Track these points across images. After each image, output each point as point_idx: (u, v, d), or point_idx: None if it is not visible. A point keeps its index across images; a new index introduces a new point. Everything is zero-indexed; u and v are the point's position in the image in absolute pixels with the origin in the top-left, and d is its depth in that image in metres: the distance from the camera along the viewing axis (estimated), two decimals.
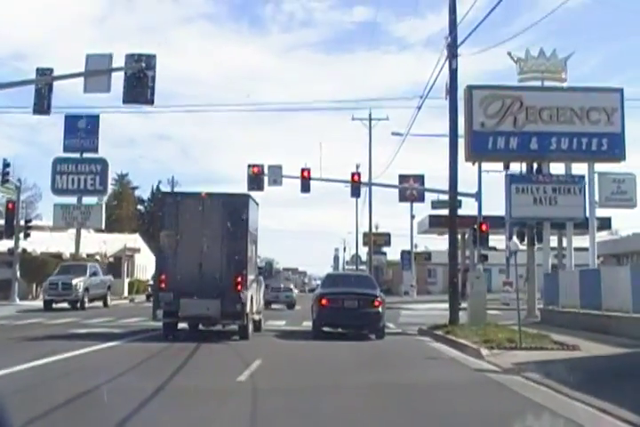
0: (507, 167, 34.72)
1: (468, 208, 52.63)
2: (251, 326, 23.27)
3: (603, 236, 75.29)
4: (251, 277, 23.29)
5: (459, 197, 55.84)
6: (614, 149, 31.83)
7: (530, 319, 32.20)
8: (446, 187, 29.12)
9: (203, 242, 22.18)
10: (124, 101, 24.77)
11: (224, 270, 22.06)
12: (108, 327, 27.91)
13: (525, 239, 33.67)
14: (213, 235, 22.18)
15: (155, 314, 22.28)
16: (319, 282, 32.32)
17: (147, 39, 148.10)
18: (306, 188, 51.06)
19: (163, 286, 21.88)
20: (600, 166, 32.95)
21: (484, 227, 51.53)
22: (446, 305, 52.75)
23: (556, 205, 31.60)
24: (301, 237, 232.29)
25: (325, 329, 24.96)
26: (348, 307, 24.38)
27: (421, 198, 67.40)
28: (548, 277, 31.78)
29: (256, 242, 24.85)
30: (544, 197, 31.66)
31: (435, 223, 65.55)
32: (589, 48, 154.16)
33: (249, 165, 51.85)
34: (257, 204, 24.96)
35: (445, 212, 62.89)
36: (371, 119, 65.22)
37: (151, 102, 24.25)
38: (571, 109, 31.72)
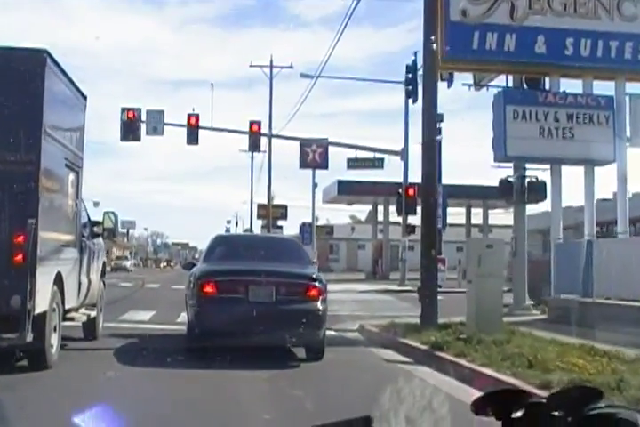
0: (479, 85, 22.35)
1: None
2: (55, 342, 10.66)
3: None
4: (59, 236, 10.67)
5: (380, 155, 44.99)
6: None
7: (519, 312, 20.21)
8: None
9: None
10: None
11: None
12: None
13: (514, 194, 21.38)
14: None
15: None
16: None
17: (42, 8, 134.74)
18: (193, 137, 38.95)
19: None
20: (633, 87, 20.89)
21: (410, 191, 40.58)
22: (364, 286, 42.23)
23: (572, 139, 19.44)
24: (192, 211, 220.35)
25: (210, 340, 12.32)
26: (257, 299, 12.19)
27: (325, 164, 54.02)
28: (562, 249, 19.47)
29: (76, 167, 12.08)
30: (555, 126, 19.49)
31: (345, 190, 53.98)
32: None
33: (122, 109, 39.10)
34: (80, 91, 12.24)
35: (360, 176, 53.29)
36: (272, 66, 52.64)
37: None
38: None
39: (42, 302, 9.88)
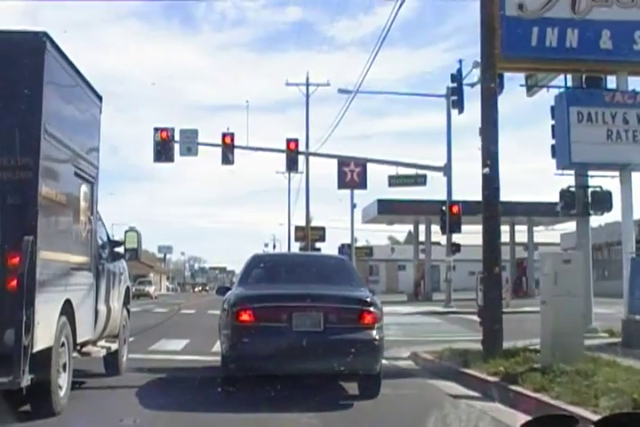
0: (537, 86, 20.40)
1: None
2: (64, 382, 8.86)
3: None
4: (68, 258, 8.92)
5: (422, 171, 43.00)
6: None
7: (586, 335, 18.02)
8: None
9: None
10: None
11: None
12: None
13: (576, 206, 19.36)
14: None
15: None
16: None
17: (78, 36, 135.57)
18: (228, 157, 37.21)
19: None
20: None
21: (454, 209, 38.60)
22: (407, 308, 40.14)
23: None
24: (229, 235, 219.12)
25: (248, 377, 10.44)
26: (303, 328, 10.32)
27: (363, 184, 52.00)
28: (638, 264, 17.30)
29: (90, 177, 10.33)
30: (624, 129, 17.45)
31: (385, 209, 52.04)
32: None
33: (155, 129, 37.56)
34: (93, 90, 10.51)
35: (402, 194, 51.17)
36: (308, 84, 51.04)
37: None
38: None
39: (44, 336, 8.11)
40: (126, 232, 12.45)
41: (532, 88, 21.20)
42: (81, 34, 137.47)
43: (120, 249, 12.32)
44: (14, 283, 7.58)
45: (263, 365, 10.01)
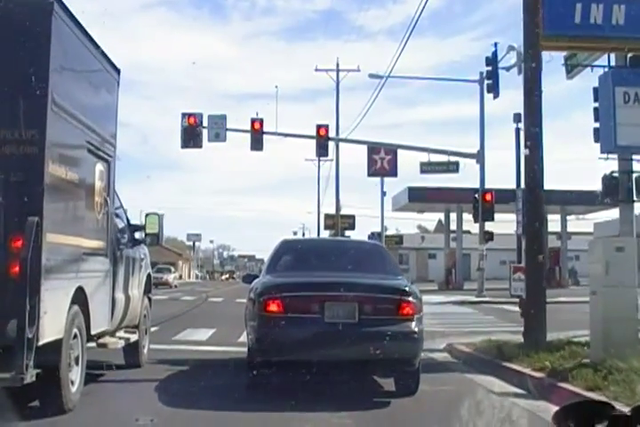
0: (581, 65, 19.40)
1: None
2: (77, 377, 8.08)
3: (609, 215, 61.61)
4: (80, 242, 8.10)
5: (454, 158, 42.02)
6: None
7: None
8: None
9: None
10: None
11: None
12: None
13: (620, 192, 18.38)
14: None
15: None
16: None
17: (107, 25, 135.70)
18: (257, 143, 36.55)
19: None
20: None
21: (487, 196, 37.62)
22: (439, 297, 39.17)
23: None
24: (258, 223, 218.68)
25: (277, 372, 9.61)
26: (336, 320, 9.45)
27: (394, 172, 51.11)
28: None
29: (105, 155, 9.51)
30: None
31: (416, 197, 51.17)
32: None
33: (183, 115, 36.93)
34: (109, 61, 9.68)
35: (432, 182, 50.30)
36: (338, 70, 50.07)
37: None
38: None
39: (52, 327, 7.33)
40: (147, 216, 11.55)
41: (572, 69, 20.23)
42: (110, 23, 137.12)
43: (140, 234, 11.51)
44: (17, 268, 6.79)
45: (292, 359, 9.17)
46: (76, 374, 8.18)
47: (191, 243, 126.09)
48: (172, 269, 79.87)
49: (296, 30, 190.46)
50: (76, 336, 8.15)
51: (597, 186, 19.03)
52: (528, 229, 14.01)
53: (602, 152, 17.32)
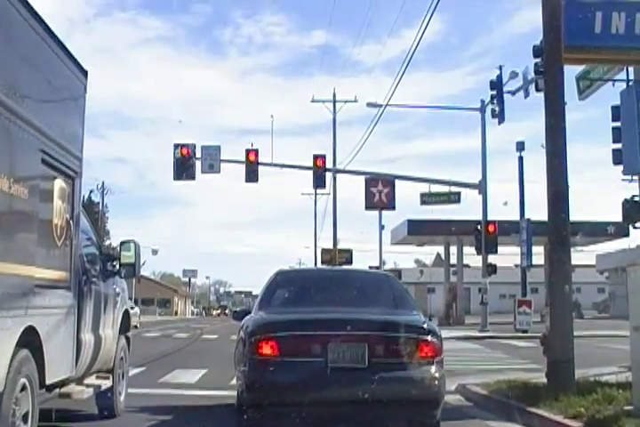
0: (582, 89, 18.17)
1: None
2: None
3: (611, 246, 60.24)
4: (30, 272, 6.52)
5: (455, 189, 40.66)
6: None
7: None
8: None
9: None
10: None
11: None
12: None
13: None
14: None
15: None
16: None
17: (104, 60, 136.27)
18: (252, 175, 35.26)
19: None
20: None
21: (490, 228, 36.25)
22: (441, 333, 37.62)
23: None
24: (255, 258, 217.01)
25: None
26: (341, 364, 7.82)
27: (392, 205, 49.66)
28: None
29: (68, 169, 7.94)
30: None
31: (415, 230, 49.83)
32: None
33: (175, 145, 35.67)
34: (74, 60, 8.16)
35: (431, 215, 48.95)
36: (335, 101, 48.89)
37: None
38: None
39: None
40: (122, 244, 9.94)
41: (585, 89, 18.94)
42: (107, 59, 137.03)
43: (113, 264, 9.92)
44: None
45: (290, 411, 7.57)
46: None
47: (187, 279, 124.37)
48: (134, 306, 75.76)
49: (293, 66, 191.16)
50: (24, 388, 6.56)
51: (596, 216, 17.70)
52: (551, 257, 12.47)
53: (624, 173, 15.91)
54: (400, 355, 7.80)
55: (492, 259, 37.90)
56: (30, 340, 6.62)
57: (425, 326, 8.23)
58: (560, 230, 12.25)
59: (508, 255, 46.32)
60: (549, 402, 10.62)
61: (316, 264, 67.45)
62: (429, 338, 8.01)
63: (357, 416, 7.83)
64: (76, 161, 8.21)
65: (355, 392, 7.48)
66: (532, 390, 11.94)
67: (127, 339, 10.84)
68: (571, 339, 12.22)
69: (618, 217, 17.76)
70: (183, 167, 35.45)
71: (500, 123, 31.64)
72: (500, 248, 38.12)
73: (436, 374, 7.91)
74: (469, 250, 45.27)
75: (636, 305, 10.10)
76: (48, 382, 7.16)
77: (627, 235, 47.24)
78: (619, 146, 16.17)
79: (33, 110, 6.74)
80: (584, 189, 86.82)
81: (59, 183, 7.62)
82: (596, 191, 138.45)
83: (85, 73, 8.64)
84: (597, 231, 48.69)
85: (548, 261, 12.79)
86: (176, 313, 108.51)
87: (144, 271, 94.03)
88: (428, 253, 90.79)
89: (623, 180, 16.12)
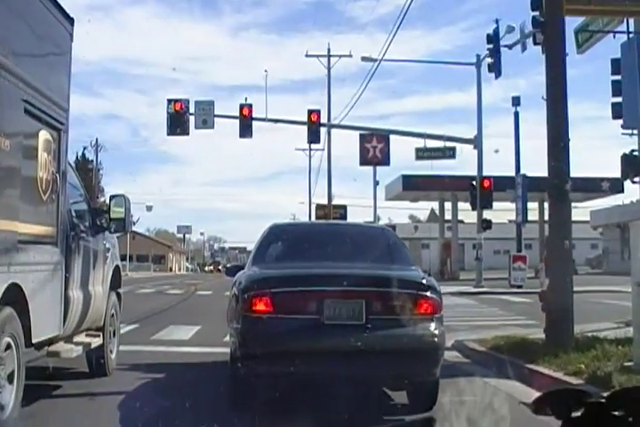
0: (581, 43, 17.79)
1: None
2: (10, 400, 6.21)
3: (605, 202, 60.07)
4: (13, 227, 6.21)
5: (450, 144, 40.22)
6: None
7: None
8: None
9: None
10: None
11: None
12: None
13: None
14: None
15: None
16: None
17: (98, 18, 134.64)
18: (246, 130, 34.86)
19: None
20: None
21: (486, 183, 35.91)
22: None
23: None
24: (249, 215, 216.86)
25: (265, 385, 7.71)
26: (338, 321, 7.56)
27: (386, 161, 49.22)
28: None
29: (53, 120, 7.60)
30: None
31: (410, 186, 49.52)
32: None
33: (169, 101, 35.20)
34: (57, 6, 7.73)
35: (426, 170, 48.48)
36: (329, 55, 48.27)
37: None
38: None
39: None
40: (111, 198, 9.63)
41: (584, 43, 18.57)
42: (102, 16, 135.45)
43: (103, 219, 9.61)
44: None
45: (284, 369, 7.32)
46: (8, 396, 6.33)
47: (181, 235, 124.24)
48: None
49: (287, 22, 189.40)
50: (8, 347, 6.31)
51: (590, 172, 17.49)
52: (552, 213, 12.24)
53: (624, 127, 15.64)
54: (399, 311, 7.49)
55: (486, 214, 37.70)
56: (14, 297, 6.37)
57: (424, 281, 7.93)
58: (560, 184, 11.99)
59: (501, 211, 46.15)
60: (548, 359, 10.49)
61: (310, 220, 67.28)
62: (429, 294, 7.72)
63: (355, 376, 7.58)
64: (62, 112, 7.88)
65: (352, 351, 7.23)
66: (531, 346, 11.82)
67: (118, 295, 10.60)
68: (570, 295, 12.07)
69: (610, 173, 17.57)
70: (177, 122, 34.99)
71: (496, 77, 31.19)
72: (493, 204, 37.95)
73: (436, 331, 7.64)
74: (464, 206, 45.02)
75: (638, 261, 9.87)
76: (34, 340, 6.91)
77: (621, 191, 47.13)
78: (618, 99, 15.85)
79: (15, 59, 6.40)
80: (576, 145, 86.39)
81: (44, 135, 7.30)
82: (587, 148, 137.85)
83: (72, 21, 8.25)
84: (591, 187, 48.43)
85: (549, 216, 12.55)
86: (170, 269, 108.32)
87: (138, 228, 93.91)
88: (423, 208, 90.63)
89: (623, 134, 15.90)
